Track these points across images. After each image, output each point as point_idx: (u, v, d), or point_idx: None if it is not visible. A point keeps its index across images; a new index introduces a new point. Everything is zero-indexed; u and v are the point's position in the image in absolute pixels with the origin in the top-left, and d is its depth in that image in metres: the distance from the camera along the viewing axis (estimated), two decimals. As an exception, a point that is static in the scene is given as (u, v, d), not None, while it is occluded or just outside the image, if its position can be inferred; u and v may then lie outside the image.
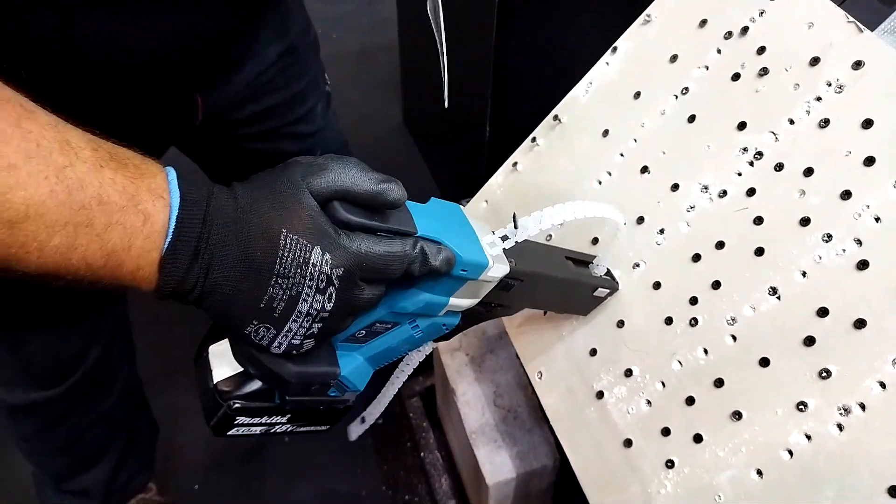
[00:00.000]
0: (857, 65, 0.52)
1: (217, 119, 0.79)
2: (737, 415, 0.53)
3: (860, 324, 0.48)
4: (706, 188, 0.59)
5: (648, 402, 0.59)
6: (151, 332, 1.31)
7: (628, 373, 0.61)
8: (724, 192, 0.58)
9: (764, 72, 0.57)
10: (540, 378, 0.68)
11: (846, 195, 0.51)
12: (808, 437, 0.49)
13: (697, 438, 0.55)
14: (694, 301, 0.57)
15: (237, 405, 0.46)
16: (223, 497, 1.30)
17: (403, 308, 0.47)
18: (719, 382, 0.55)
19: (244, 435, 0.49)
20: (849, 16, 0.53)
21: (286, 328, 0.41)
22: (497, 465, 0.90)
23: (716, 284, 0.56)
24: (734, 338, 0.55)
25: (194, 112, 0.75)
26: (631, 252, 0.62)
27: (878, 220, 0.49)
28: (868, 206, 0.50)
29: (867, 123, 0.51)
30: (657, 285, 0.60)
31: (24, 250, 0.35)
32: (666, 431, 0.57)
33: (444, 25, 0.61)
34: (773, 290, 0.53)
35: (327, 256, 0.39)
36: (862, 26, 0.53)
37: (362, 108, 2.09)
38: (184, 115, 0.75)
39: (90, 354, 0.93)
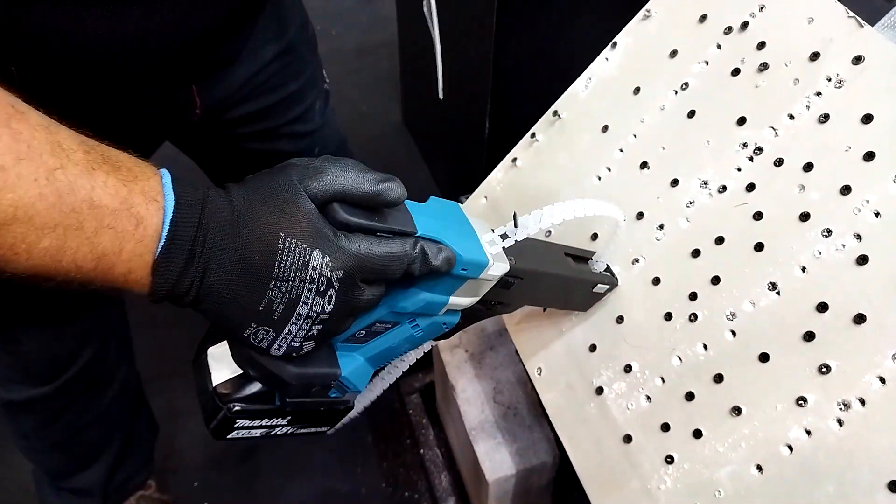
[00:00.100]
0: (858, 60, 0.52)
1: (214, 118, 0.79)
2: (736, 410, 0.53)
3: (860, 319, 0.48)
4: (706, 183, 0.59)
5: (648, 398, 0.59)
6: (152, 332, 1.31)
7: (628, 368, 0.61)
8: (724, 188, 0.57)
9: (764, 67, 0.57)
10: (539, 374, 0.68)
11: (846, 190, 0.51)
12: (808, 433, 0.49)
13: (697, 434, 0.55)
14: (693, 296, 0.57)
15: (237, 408, 0.45)
16: (223, 494, 1.30)
17: (404, 308, 0.47)
18: (719, 378, 0.54)
19: (244, 438, 0.48)
20: (849, 11, 0.53)
21: (286, 331, 0.41)
22: (497, 461, 0.90)
23: (715, 280, 0.56)
24: (734, 333, 0.55)
25: (192, 108, 0.75)
26: (630, 248, 0.62)
27: (877, 215, 0.49)
28: (868, 202, 0.50)
29: (867, 118, 0.51)
30: (657, 281, 0.60)
31: (13, 252, 0.34)
32: (665, 427, 0.57)
33: (438, 17, 0.60)
34: (773, 286, 0.53)
35: (327, 259, 0.39)
36: (862, 21, 0.52)
37: (361, 105, 2.08)
38: (180, 111, 0.75)
39: (84, 353, 0.93)
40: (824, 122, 0.53)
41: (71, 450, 1.05)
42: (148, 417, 1.16)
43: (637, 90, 0.65)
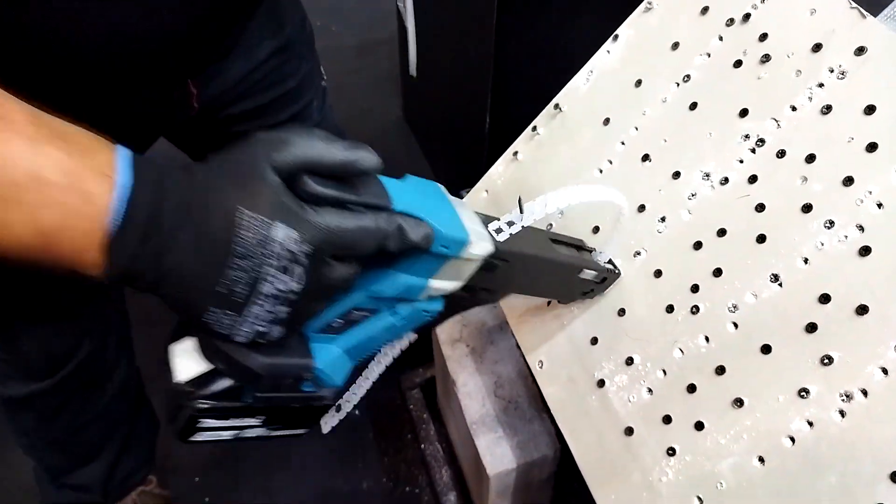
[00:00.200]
0: (860, 51, 0.52)
1: (211, 115, 0.79)
2: (738, 402, 0.53)
3: (862, 310, 0.48)
4: (708, 175, 0.59)
5: (650, 390, 0.59)
6: (153, 330, 1.30)
7: (629, 361, 0.61)
8: (726, 180, 0.57)
9: (766, 58, 0.57)
10: (541, 367, 0.68)
11: (848, 181, 0.51)
12: (810, 424, 0.49)
13: (699, 426, 0.55)
14: (695, 289, 0.57)
15: (202, 405, 0.42)
16: (223, 490, 1.30)
17: (381, 292, 0.44)
18: (721, 370, 0.54)
19: (213, 441, 0.45)
20: (851, 2, 0.53)
21: (250, 313, 0.38)
22: (498, 455, 0.90)
23: (717, 272, 0.56)
24: (736, 325, 0.54)
25: (188, 104, 0.75)
26: (632, 240, 0.62)
27: (880, 206, 0.49)
28: (870, 193, 0.50)
29: (870, 109, 0.51)
30: (658, 273, 0.60)
31: None
32: (667, 419, 0.57)
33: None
34: (775, 277, 0.53)
35: (292, 233, 0.37)
36: (865, 12, 0.52)
37: (362, 102, 2.08)
38: (176, 107, 0.74)
39: (82, 350, 0.93)
40: (827, 113, 0.53)
41: (71, 447, 1.05)
42: (149, 415, 1.16)
43: (639, 83, 0.65)
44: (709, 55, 0.61)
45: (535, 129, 0.73)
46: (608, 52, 0.68)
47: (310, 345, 0.45)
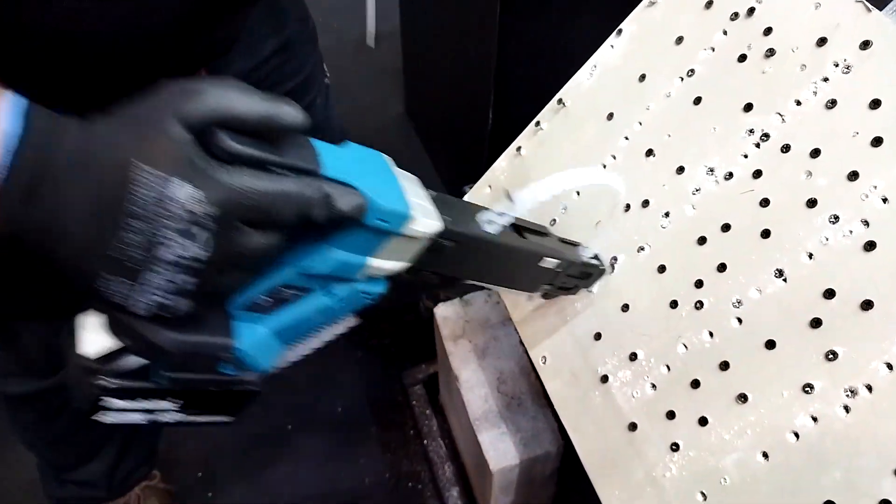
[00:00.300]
0: (865, 45, 0.52)
1: None
2: (742, 397, 0.53)
3: (867, 305, 0.48)
4: (712, 170, 0.58)
5: (653, 386, 0.59)
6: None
7: (633, 357, 0.60)
8: (730, 175, 0.57)
9: (770, 53, 0.56)
10: (544, 363, 0.68)
11: (853, 176, 0.50)
12: (815, 419, 0.49)
13: (703, 421, 0.55)
14: (699, 284, 0.57)
15: (108, 384, 0.39)
16: (226, 485, 1.30)
17: (313, 269, 0.40)
18: (725, 365, 0.54)
19: (122, 423, 0.41)
20: (857, -5, 0.53)
21: (148, 281, 0.35)
22: (501, 451, 0.90)
23: (721, 267, 0.56)
24: (740, 320, 0.54)
25: None
26: (636, 235, 0.62)
27: (885, 200, 0.49)
28: (875, 187, 0.49)
29: (875, 104, 0.50)
30: (662, 269, 0.60)
31: None
32: (671, 415, 0.57)
33: None
34: (780, 273, 0.53)
35: (194, 192, 0.33)
36: (870, 6, 0.52)
37: (364, 98, 2.08)
38: None
39: None
40: (832, 107, 0.53)
41: (73, 444, 1.05)
42: None
43: (642, 77, 0.65)
44: (713, 49, 0.60)
45: (538, 124, 0.72)
46: (612, 46, 0.68)
47: (233, 323, 0.40)
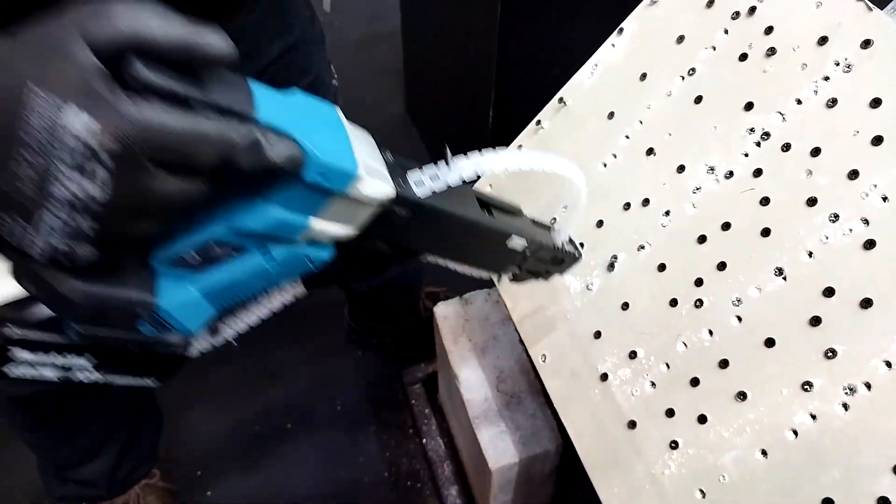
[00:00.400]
0: (866, 44, 0.52)
1: None
2: (742, 395, 0.53)
3: (866, 303, 0.48)
4: (712, 169, 0.59)
5: (653, 384, 0.59)
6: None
7: (633, 355, 0.61)
8: (731, 173, 0.57)
9: (771, 52, 0.57)
10: (544, 361, 0.68)
11: (854, 175, 0.51)
12: (814, 417, 0.49)
13: (702, 419, 0.55)
14: (699, 282, 0.57)
15: (13, 334, 0.36)
16: (225, 483, 1.30)
17: (247, 226, 0.36)
18: (724, 363, 0.54)
19: (35, 380, 0.39)
20: (858, -6, 0.53)
21: (42, 221, 0.31)
22: (500, 449, 0.90)
23: (721, 266, 0.56)
24: (739, 319, 0.54)
25: None
26: (636, 234, 0.62)
27: (885, 199, 0.49)
28: (875, 186, 0.49)
29: (875, 102, 0.51)
30: (662, 267, 0.60)
31: None
32: (670, 413, 0.57)
33: None
34: (780, 271, 0.53)
35: (90, 122, 0.29)
36: (871, 5, 0.52)
37: (364, 96, 2.08)
38: None
39: None
40: (832, 106, 0.53)
41: (75, 444, 1.05)
42: (154, 410, 1.16)
43: (643, 76, 0.65)
44: (714, 48, 0.61)
45: (538, 123, 0.73)
46: (613, 45, 0.68)
47: (157, 280, 0.37)
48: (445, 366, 1.04)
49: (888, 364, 0.47)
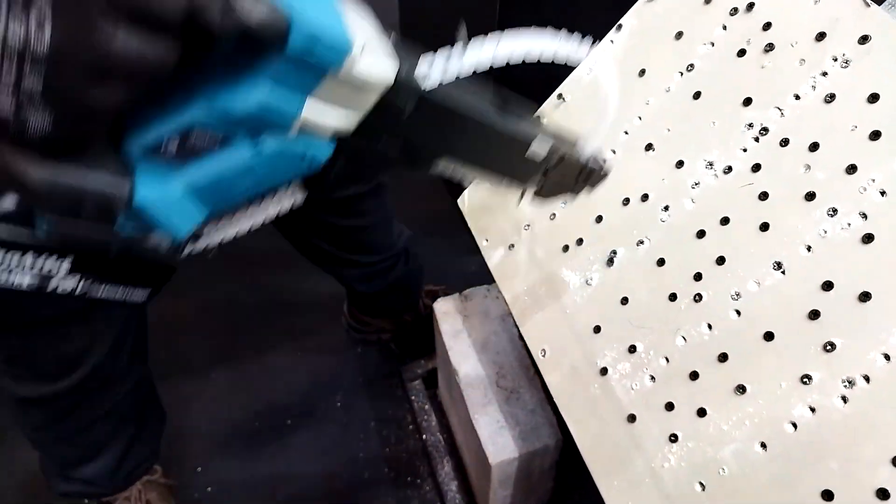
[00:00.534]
0: (864, 39, 0.52)
1: None
2: (741, 389, 0.53)
3: (865, 297, 0.48)
4: (711, 164, 0.59)
5: (652, 378, 0.59)
6: (163, 329, 1.31)
7: (632, 349, 0.61)
8: (730, 169, 0.58)
9: (770, 47, 0.57)
10: (543, 356, 0.68)
11: (852, 169, 0.51)
12: (813, 410, 0.50)
13: (701, 413, 0.55)
14: (698, 277, 0.58)
15: None
16: (226, 479, 1.30)
17: (230, 108, 0.31)
18: (723, 357, 0.55)
19: (9, 287, 0.34)
20: (856, -10, 0.53)
21: None
22: (500, 445, 0.90)
23: (720, 260, 0.56)
24: (738, 313, 0.55)
25: None
26: (635, 229, 0.63)
27: (883, 193, 0.49)
28: (874, 180, 0.50)
29: (873, 98, 0.51)
30: (661, 262, 0.60)
31: None
32: (670, 406, 0.57)
33: None
34: (778, 265, 0.53)
35: None
36: (869, 0, 0.52)
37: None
38: None
39: (94, 353, 0.92)
40: (830, 101, 0.53)
41: (80, 443, 1.05)
42: (158, 409, 1.16)
43: (642, 72, 0.65)
44: (712, 44, 0.61)
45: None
46: (612, 41, 0.68)
47: (135, 171, 0.33)
48: (445, 362, 1.04)
49: (887, 357, 0.47)
